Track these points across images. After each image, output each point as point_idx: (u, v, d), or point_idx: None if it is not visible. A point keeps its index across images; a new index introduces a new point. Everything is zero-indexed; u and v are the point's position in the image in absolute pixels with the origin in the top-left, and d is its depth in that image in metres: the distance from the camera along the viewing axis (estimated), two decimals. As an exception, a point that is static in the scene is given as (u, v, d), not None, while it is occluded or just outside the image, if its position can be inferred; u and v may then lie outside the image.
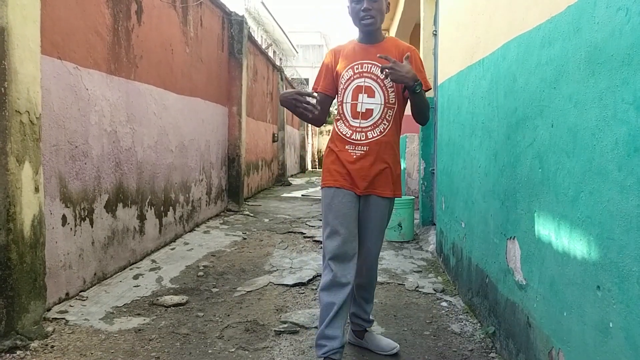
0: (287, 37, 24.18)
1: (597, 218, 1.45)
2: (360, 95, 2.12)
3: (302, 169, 17.55)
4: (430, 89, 2.20)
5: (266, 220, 6.25)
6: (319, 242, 4.88)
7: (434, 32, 5.24)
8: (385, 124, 2.12)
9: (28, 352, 2.25)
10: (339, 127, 2.18)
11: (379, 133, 2.11)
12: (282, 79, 11.93)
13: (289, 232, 5.45)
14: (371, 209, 2.14)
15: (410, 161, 7.40)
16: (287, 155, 12.85)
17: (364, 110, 2.11)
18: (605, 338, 1.40)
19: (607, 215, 1.39)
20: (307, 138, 19.15)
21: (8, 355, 2.20)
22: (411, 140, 7.42)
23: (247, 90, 7.75)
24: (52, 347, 2.33)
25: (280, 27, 22.55)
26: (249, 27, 7.74)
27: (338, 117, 2.19)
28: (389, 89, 2.11)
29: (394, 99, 2.13)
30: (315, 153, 22.99)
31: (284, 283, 3.45)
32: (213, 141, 6.22)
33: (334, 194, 2.11)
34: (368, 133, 2.11)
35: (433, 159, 5.30)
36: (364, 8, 2.07)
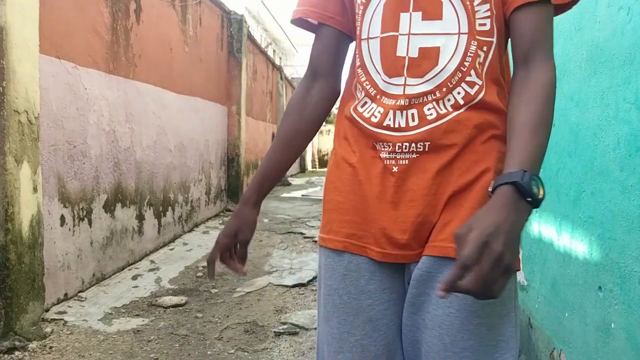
0: (286, 36, 24.16)
1: (598, 218, 1.44)
2: (403, 17, 0.84)
3: (302, 169, 17.55)
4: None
5: (266, 220, 6.24)
6: (319, 242, 4.88)
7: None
8: (471, 83, 0.82)
9: (26, 353, 2.24)
10: (354, 110, 0.91)
11: (456, 105, 0.82)
12: (281, 78, 11.93)
13: (289, 232, 5.44)
14: (440, 299, 0.79)
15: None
16: (286, 154, 12.84)
17: (414, 54, 0.83)
18: (607, 339, 1.39)
19: (609, 215, 1.38)
20: (307, 138, 19.13)
21: (6, 356, 2.19)
22: (411, 140, 7.41)
23: (247, 89, 7.74)
24: (51, 347, 2.32)
25: (280, 26, 22.54)
26: (249, 26, 7.73)
27: (349, 92, 0.97)
28: None
29: (487, 24, 0.82)
30: (315, 153, 22.99)
31: (284, 284, 3.44)
32: (212, 141, 6.21)
33: (339, 267, 0.91)
34: (426, 108, 0.83)
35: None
36: None
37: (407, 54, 0.84)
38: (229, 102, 6.92)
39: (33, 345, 2.30)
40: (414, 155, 0.83)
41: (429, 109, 0.83)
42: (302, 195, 9.30)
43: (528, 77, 0.79)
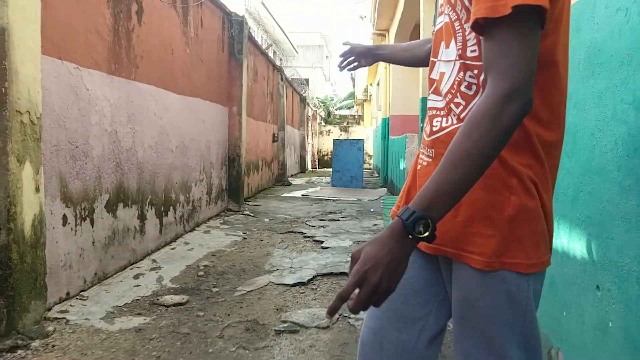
0: (287, 37, 24.18)
1: (596, 218, 1.45)
2: (440, 46, 1.02)
3: (303, 169, 17.55)
4: (494, 18, 0.78)
5: (266, 220, 6.26)
6: (319, 241, 4.89)
7: (434, 32, 5.23)
8: (457, 104, 0.95)
9: (29, 352, 2.25)
10: None
11: (450, 122, 0.97)
12: (282, 79, 11.94)
13: (289, 231, 5.46)
14: (453, 284, 0.99)
15: (410, 161, 7.40)
16: (287, 155, 12.86)
17: (436, 76, 1.03)
18: (604, 338, 1.40)
19: (606, 215, 1.39)
20: (307, 138, 19.16)
21: (9, 354, 2.21)
22: (411, 140, 7.42)
23: (248, 90, 7.76)
24: (53, 346, 2.33)
25: (281, 28, 22.56)
26: (249, 28, 7.74)
27: None
28: (465, 25, 0.93)
29: (476, 50, 0.91)
30: (316, 153, 22.99)
31: (284, 283, 3.45)
32: (213, 141, 6.23)
33: None
34: (435, 120, 1.01)
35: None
36: None
37: (435, 75, 1.03)
38: (230, 102, 6.93)
39: (35, 343, 2.32)
40: (429, 159, 1.00)
41: (436, 121, 0.99)
42: (302, 195, 9.31)
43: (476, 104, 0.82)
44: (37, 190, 2.46)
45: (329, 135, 24.13)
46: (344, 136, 23.63)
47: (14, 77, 2.29)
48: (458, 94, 0.93)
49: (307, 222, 6.07)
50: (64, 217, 2.92)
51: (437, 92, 1.01)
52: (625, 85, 1.31)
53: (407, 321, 1.03)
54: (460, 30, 0.93)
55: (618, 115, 1.34)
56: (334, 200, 8.71)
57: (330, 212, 6.98)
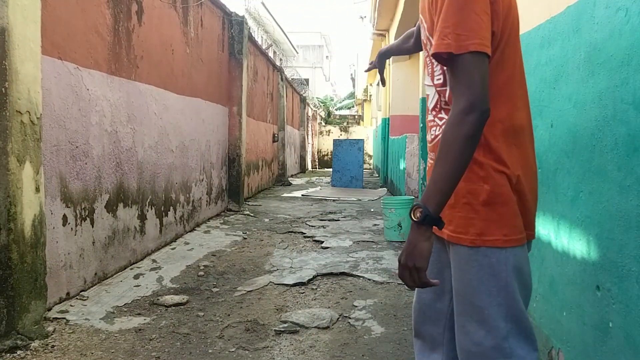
0: (287, 37, 24.19)
1: (596, 218, 1.45)
2: (426, 73, 1.28)
3: (302, 169, 17.55)
4: (467, 52, 1.01)
5: (266, 220, 6.26)
6: (319, 241, 4.89)
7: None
8: (440, 118, 1.21)
9: (29, 352, 2.25)
10: None
11: (440, 131, 1.20)
12: (282, 80, 11.94)
13: (289, 232, 5.46)
14: (451, 263, 1.20)
15: (410, 161, 7.41)
16: (287, 155, 12.86)
17: (425, 95, 1.32)
18: (604, 338, 1.40)
19: (606, 214, 1.39)
20: (307, 138, 19.16)
21: (9, 355, 2.21)
22: (411, 140, 7.42)
23: (248, 90, 7.76)
24: (53, 346, 2.33)
25: (281, 28, 22.56)
26: (249, 28, 7.74)
27: None
28: (433, 61, 1.19)
29: (441, 79, 1.18)
30: (316, 153, 22.99)
31: (284, 283, 3.45)
32: (213, 141, 6.23)
33: None
34: (431, 130, 1.27)
35: (433, 159, 5.29)
36: None
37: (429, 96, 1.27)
38: (230, 103, 6.93)
39: (35, 344, 2.32)
40: (432, 161, 1.24)
41: (432, 130, 1.24)
42: (302, 195, 9.31)
43: None
44: (37, 190, 2.46)
45: (329, 135, 24.13)
46: (344, 136, 23.63)
47: (14, 77, 2.29)
48: (442, 111, 1.20)
49: (307, 222, 6.07)
50: (64, 217, 2.92)
51: (429, 108, 1.27)
52: (625, 85, 1.31)
53: (440, 293, 1.26)
54: (430, 64, 1.20)
55: (618, 115, 1.34)
56: (334, 200, 8.71)
57: (330, 212, 6.98)
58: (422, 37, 1.22)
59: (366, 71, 1.92)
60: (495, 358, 1.07)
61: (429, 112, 1.26)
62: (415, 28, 1.59)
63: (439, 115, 1.20)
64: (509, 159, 1.10)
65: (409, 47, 1.66)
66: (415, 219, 1.03)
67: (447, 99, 1.15)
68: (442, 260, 1.26)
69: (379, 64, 1.75)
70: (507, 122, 1.11)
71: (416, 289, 1.29)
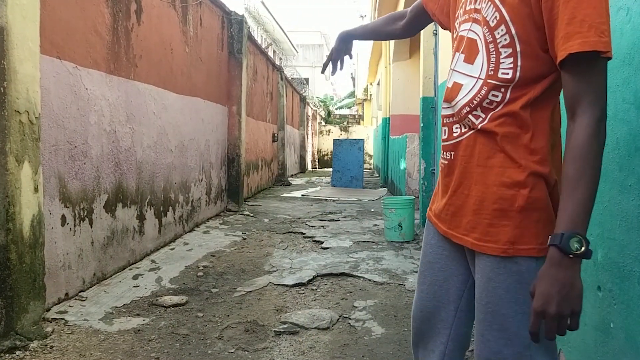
0: (287, 36, 24.18)
1: (597, 218, 1.44)
2: (455, 55, 1.15)
3: (302, 169, 17.54)
4: (606, 52, 0.88)
5: (266, 220, 6.25)
6: (319, 242, 4.88)
7: (434, 32, 5.23)
8: (476, 116, 1.07)
9: (27, 353, 2.24)
10: None
11: (468, 129, 1.09)
12: (282, 79, 11.93)
13: (289, 232, 5.45)
14: (476, 272, 1.11)
15: (410, 161, 7.40)
16: (287, 155, 12.86)
17: (450, 85, 1.15)
18: (605, 338, 1.39)
19: (607, 215, 1.39)
20: (307, 138, 19.15)
21: (7, 355, 2.20)
22: (411, 140, 7.41)
23: (247, 89, 7.75)
24: (52, 347, 2.32)
25: (280, 27, 22.56)
26: (249, 27, 7.74)
27: None
28: (500, 49, 1.03)
29: (509, 73, 1.02)
30: (315, 153, 22.99)
31: (284, 283, 3.45)
32: (213, 141, 6.22)
33: (426, 227, 1.29)
34: (454, 127, 1.13)
35: (434, 159, 5.30)
36: None
37: (449, 84, 1.13)
38: (230, 102, 6.92)
39: (34, 344, 2.31)
40: (446, 161, 1.14)
41: (456, 128, 1.11)
42: (302, 195, 9.30)
43: (570, 132, 0.92)
44: (36, 190, 2.45)
45: (329, 135, 24.12)
46: (344, 136, 23.63)
47: (12, 76, 2.28)
48: (478, 108, 1.05)
49: (307, 223, 6.06)
50: (63, 217, 2.92)
51: (449, 99, 1.13)
52: (626, 85, 1.31)
53: (445, 302, 1.20)
54: (495, 53, 1.02)
55: (619, 115, 1.33)
56: (334, 200, 8.70)
57: (330, 213, 6.98)
58: (487, 16, 1.03)
59: (322, 72, 1.69)
60: None
61: (452, 104, 1.11)
62: (408, 9, 1.42)
63: (474, 113, 1.05)
64: (551, 162, 1.02)
65: (392, 30, 1.48)
66: (576, 252, 0.86)
67: (505, 98, 1.01)
68: (450, 269, 1.19)
69: (337, 49, 1.55)
70: (553, 121, 1.03)
71: (416, 296, 1.27)
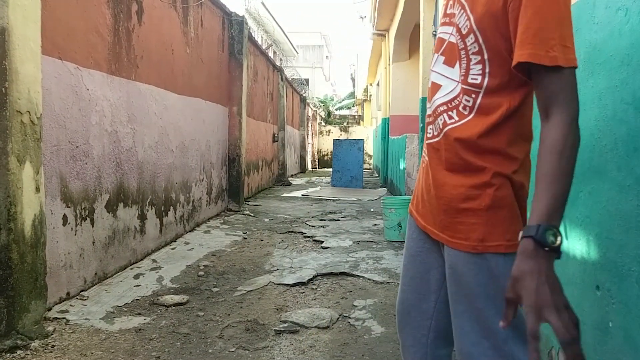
0: (287, 37, 24.18)
1: (596, 217, 1.45)
2: (435, 56, 1.20)
3: (303, 169, 17.55)
4: (573, 66, 0.95)
5: (266, 220, 6.26)
6: (319, 241, 4.89)
7: (434, 33, 5.24)
8: (449, 116, 1.11)
9: (29, 352, 2.25)
10: None
11: (439, 130, 1.14)
12: (282, 80, 11.94)
13: (289, 231, 5.46)
14: (447, 268, 1.15)
15: (410, 161, 7.40)
16: (287, 155, 12.86)
17: (429, 85, 1.21)
18: (604, 337, 1.40)
19: (606, 214, 1.39)
20: (307, 138, 19.15)
21: (9, 354, 2.21)
22: (411, 140, 7.42)
23: (248, 90, 7.76)
24: (53, 346, 2.33)
25: (281, 28, 22.56)
26: (249, 28, 7.74)
27: None
28: (470, 55, 1.07)
29: (478, 79, 1.06)
30: (316, 153, 22.99)
31: (284, 282, 3.45)
32: (213, 141, 6.23)
33: (408, 221, 1.33)
34: (429, 128, 1.19)
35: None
36: None
37: (429, 85, 1.19)
38: (230, 103, 6.93)
39: (35, 344, 2.32)
40: (424, 160, 1.19)
41: (430, 129, 1.16)
42: (302, 195, 9.31)
43: (544, 132, 0.95)
44: (38, 190, 2.46)
45: (329, 135, 24.13)
46: (344, 136, 23.63)
47: (14, 77, 2.29)
48: (454, 111, 1.09)
49: (307, 222, 6.07)
50: (64, 217, 2.93)
51: (429, 99, 1.18)
52: (625, 85, 1.31)
53: (426, 293, 1.23)
54: (465, 59, 1.07)
55: (618, 115, 1.34)
56: (334, 200, 8.71)
57: (330, 212, 6.98)
58: (459, 23, 1.07)
59: None
60: (496, 358, 1.04)
61: (436, 104, 1.14)
62: None
63: (449, 114, 1.10)
64: (520, 167, 1.06)
65: None
66: (551, 245, 0.86)
67: (476, 104, 1.06)
68: (430, 261, 1.23)
69: None
70: (523, 127, 1.07)
71: (399, 288, 1.32)
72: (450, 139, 1.08)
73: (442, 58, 1.14)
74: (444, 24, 1.16)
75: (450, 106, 1.10)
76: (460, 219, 1.07)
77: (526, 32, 0.94)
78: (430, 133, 1.16)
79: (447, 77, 1.12)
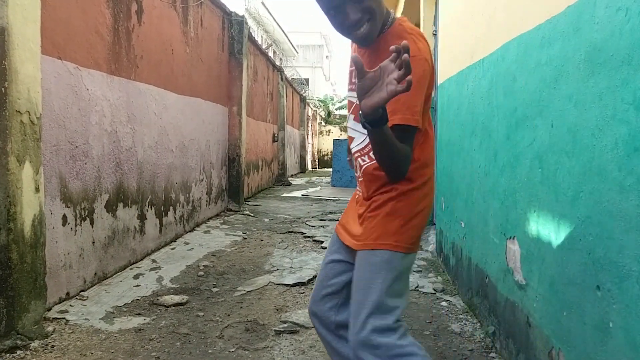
0: (287, 37, 24.19)
1: (596, 218, 1.45)
2: (348, 116, 1.56)
3: (302, 169, 17.55)
4: (411, 126, 1.31)
5: (266, 220, 6.25)
6: (319, 241, 4.89)
7: (434, 32, 5.24)
8: (362, 159, 1.50)
9: (28, 352, 2.25)
10: None
11: (359, 168, 1.52)
12: (282, 79, 11.94)
13: (289, 232, 5.46)
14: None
15: (410, 161, 7.40)
16: (287, 155, 12.86)
17: (348, 137, 1.59)
18: (605, 338, 1.40)
19: (606, 215, 1.39)
20: (307, 138, 19.15)
21: (8, 355, 2.21)
22: (411, 140, 7.41)
23: (248, 90, 7.75)
24: (53, 346, 2.33)
25: (281, 27, 22.56)
26: (249, 27, 7.74)
27: None
28: None
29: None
30: (316, 153, 22.98)
31: (284, 283, 3.45)
32: (213, 141, 6.23)
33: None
34: (358, 163, 1.55)
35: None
36: (351, 20, 1.34)
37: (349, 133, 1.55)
38: (230, 102, 6.93)
39: (35, 344, 2.32)
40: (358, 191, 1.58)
41: (360, 162, 1.50)
42: (302, 195, 9.31)
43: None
44: (37, 190, 2.46)
45: (329, 135, 24.13)
46: (344, 136, 23.62)
47: (13, 77, 2.28)
48: (366, 156, 1.46)
49: (307, 222, 6.06)
50: (64, 217, 2.92)
51: (349, 148, 1.57)
52: (625, 85, 1.31)
53: (346, 269, 1.55)
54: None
55: (618, 115, 1.34)
56: (334, 200, 8.70)
57: (330, 212, 6.98)
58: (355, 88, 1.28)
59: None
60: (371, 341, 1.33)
61: (354, 151, 1.51)
62: None
63: (363, 158, 1.48)
64: (422, 185, 1.41)
65: None
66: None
67: None
68: (346, 261, 1.55)
69: None
70: (422, 154, 1.42)
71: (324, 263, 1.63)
72: (368, 174, 1.46)
73: (352, 116, 1.49)
74: (350, 89, 1.51)
75: (362, 152, 1.47)
76: (366, 224, 1.46)
77: (397, 101, 1.23)
78: (364, 164, 1.48)
79: (357, 131, 1.45)
